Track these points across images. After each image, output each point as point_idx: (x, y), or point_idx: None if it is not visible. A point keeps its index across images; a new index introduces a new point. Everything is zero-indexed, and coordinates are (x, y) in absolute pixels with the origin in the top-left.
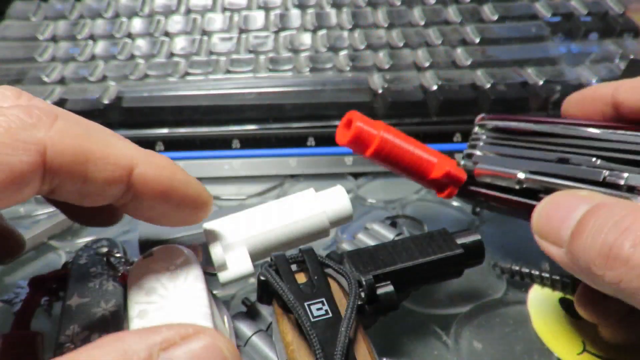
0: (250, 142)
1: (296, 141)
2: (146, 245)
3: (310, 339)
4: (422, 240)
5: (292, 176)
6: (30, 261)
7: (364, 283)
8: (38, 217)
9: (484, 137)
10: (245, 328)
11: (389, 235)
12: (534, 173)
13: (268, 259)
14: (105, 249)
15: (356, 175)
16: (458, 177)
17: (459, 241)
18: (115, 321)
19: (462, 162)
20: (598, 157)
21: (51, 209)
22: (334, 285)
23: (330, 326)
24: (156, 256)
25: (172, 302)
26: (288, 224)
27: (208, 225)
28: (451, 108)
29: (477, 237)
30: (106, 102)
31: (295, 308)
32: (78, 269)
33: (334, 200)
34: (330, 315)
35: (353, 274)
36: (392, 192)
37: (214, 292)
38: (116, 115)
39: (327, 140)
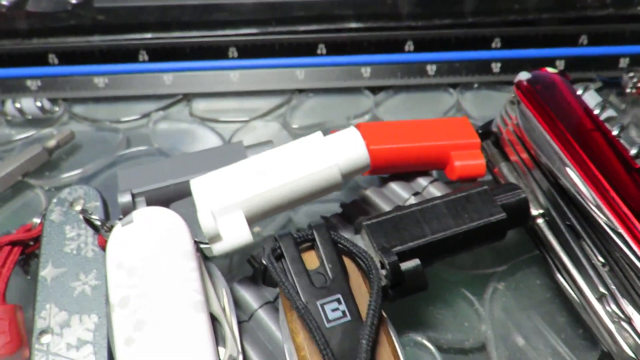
0: (249, 51)
1: (304, 49)
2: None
3: (324, 354)
4: (457, 204)
5: (300, 91)
6: (7, 201)
7: (387, 265)
8: (13, 144)
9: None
10: (250, 298)
11: (422, 182)
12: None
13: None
14: (79, 206)
15: (374, 90)
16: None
17: (500, 201)
18: (97, 299)
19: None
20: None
21: (26, 134)
22: (350, 265)
23: (349, 333)
24: (137, 223)
25: (157, 286)
26: (293, 181)
27: (196, 182)
28: (490, 6)
29: (521, 195)
30: (73, 1)
31: (307, 317)
32: (51, 227)
33: (346, 146)
34: (349, 317)
35: (373, 263)
36: (415, 110)
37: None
38: (87, 18)
39: (340, 47)
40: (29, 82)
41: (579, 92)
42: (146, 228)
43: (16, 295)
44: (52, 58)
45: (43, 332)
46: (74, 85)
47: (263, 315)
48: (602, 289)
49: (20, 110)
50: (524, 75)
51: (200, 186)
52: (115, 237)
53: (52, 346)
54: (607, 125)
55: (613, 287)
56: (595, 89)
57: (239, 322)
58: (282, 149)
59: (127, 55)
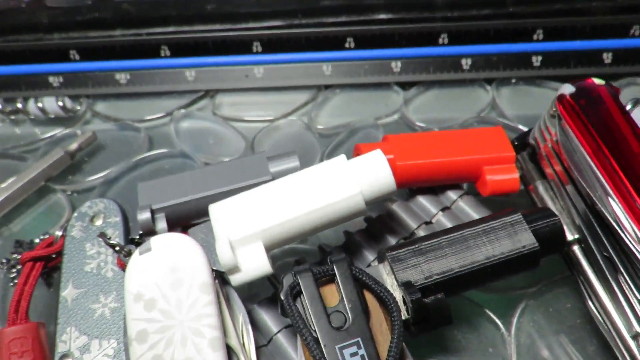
0: (274, 45)
1: (332, 42)
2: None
3: None
4: (487, 233)
5: (327, 87)
6: (30, 206)
7: (409, 303)
8: (37, 143)
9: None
10: (270, 321)
11: (452, 195)
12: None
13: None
14: (100, 221)
15: (404, 85)
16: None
17: (534, 228)
18: (116, 323)
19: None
20: None
21: (50, 133)
22: (371, 301)
23: None
24: (155, 252)
25: (174, 321)
26: (314, 210)
27: (215, 209)
28: None
29: (557, 223)
30: None
31: None
32: (72, 244)
33: (371, 172)
34: None
35: (396, 304)
36: (447, 108)
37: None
38: (108, 12)
39: (369, 40)
40: (51, 79)
41: (628, 107)
42: (164, 257)
43: (39, 308)
44: (74, 54)
45: (64, 356)
46: (96, 81)
47: (282, 340)
48: (637, 327)
49: (43, 110)
50: (567, 89)
51: (220, 213)
52: (133, 267)
53: None
54: None
55: None
56: None
57: (258, 347)
58: (304, 175)
59: (149, 50)
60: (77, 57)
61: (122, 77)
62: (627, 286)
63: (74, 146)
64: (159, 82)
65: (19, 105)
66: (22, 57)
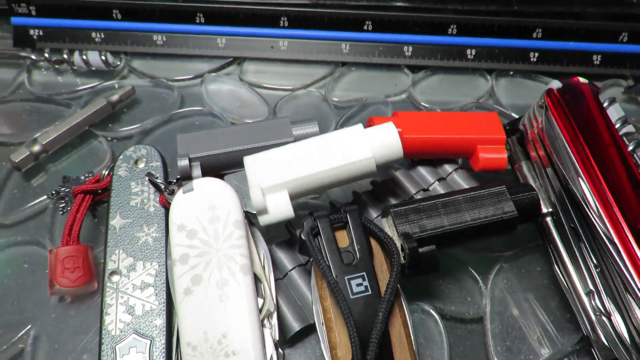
0: (300, 21)
1: (352, 24)
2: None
3: (347, 321)
4: (475, 200)
5: (344, 64)
6: (75, 147)
7: (406, 249)
8: (79, 92)
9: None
10: (286, 260)
11: (448, 168)
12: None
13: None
14: (142, 164)
15: (414, 68)
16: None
17: (514, 198)
18: (158, 249)
19: (525, 120)
20: None
21: (90, 84)
22: (375, 246)
23: (369, 305)
24: (197, 192)
25: (212, 249)
26: (333, 168)
27: (249, 160)
28: None
29: (534, 196)
30: None
31: (335, 290)
32: (119, 182)
33: (383, 141)
34: (370, 292)
35: (396, 248)
36: (449, 92)
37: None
38: None
39: (386, 25)
40: (93, 34)
41: (605, 104)
42: (204, 197)
43: (84, 236)
44: (116, 13)
45: (113, 272)
46: (134, 40)
47: (296, 276)
48: (591, 286)
49: (86, 62)
50: (555, 84)
51: (253, 164)
52: (178, 202)
53: (121, 285)
54: (624, 139)
55: (600, 286)
56: (626, 86)
57: (275, 280)
58: (327, 138)
59: (185, 16)
60: (119, 16)
61: (158, 38)
62: (586, 253)
63: (115, 97)
64: (192, 46)
65: (65, 56)
66: (69, 12)
